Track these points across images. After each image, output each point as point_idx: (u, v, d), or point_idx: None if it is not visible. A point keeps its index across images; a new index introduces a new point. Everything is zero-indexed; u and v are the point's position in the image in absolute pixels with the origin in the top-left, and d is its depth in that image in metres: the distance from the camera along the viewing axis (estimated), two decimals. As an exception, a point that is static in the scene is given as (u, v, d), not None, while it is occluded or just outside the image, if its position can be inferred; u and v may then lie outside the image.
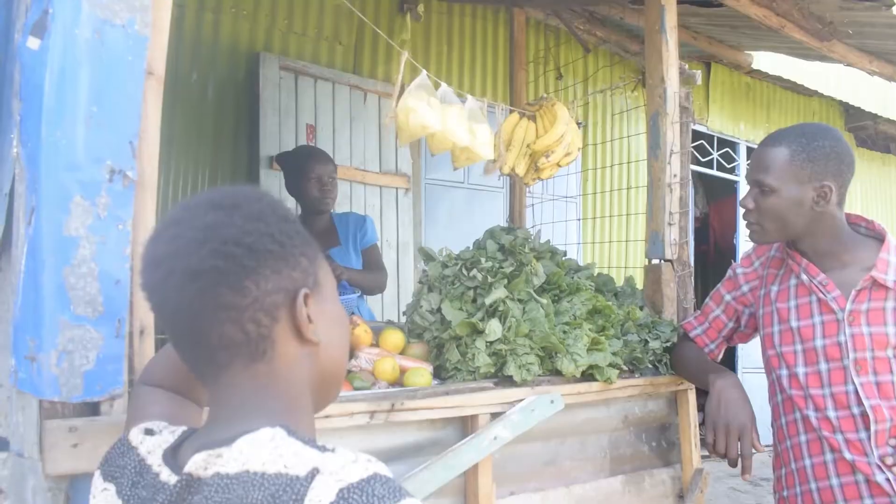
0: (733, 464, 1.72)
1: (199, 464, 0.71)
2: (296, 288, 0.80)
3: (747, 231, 1.83)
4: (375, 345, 1.87)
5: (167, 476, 0.77)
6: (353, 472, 0.67)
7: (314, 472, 0.68)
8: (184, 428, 0.85)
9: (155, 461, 0.80)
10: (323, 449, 0.71)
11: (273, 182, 3.73)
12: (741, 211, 1.82)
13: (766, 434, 1.84)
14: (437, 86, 2.01)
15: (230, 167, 3.88)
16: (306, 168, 2.94)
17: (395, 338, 1.87)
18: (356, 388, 1.68)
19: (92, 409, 1.24)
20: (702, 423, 1.98)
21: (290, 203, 3.55)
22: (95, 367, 1.23)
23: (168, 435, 0.84)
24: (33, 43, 1.14)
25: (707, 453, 1.84)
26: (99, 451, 1.21)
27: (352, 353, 1.81)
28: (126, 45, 1.27)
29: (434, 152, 2.09)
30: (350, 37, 4.22)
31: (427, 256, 2.04)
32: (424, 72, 1.93)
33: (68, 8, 1.21)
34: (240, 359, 0.78)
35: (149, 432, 0.86)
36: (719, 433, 1.73)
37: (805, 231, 1.73)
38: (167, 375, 1.05)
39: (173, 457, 0.80)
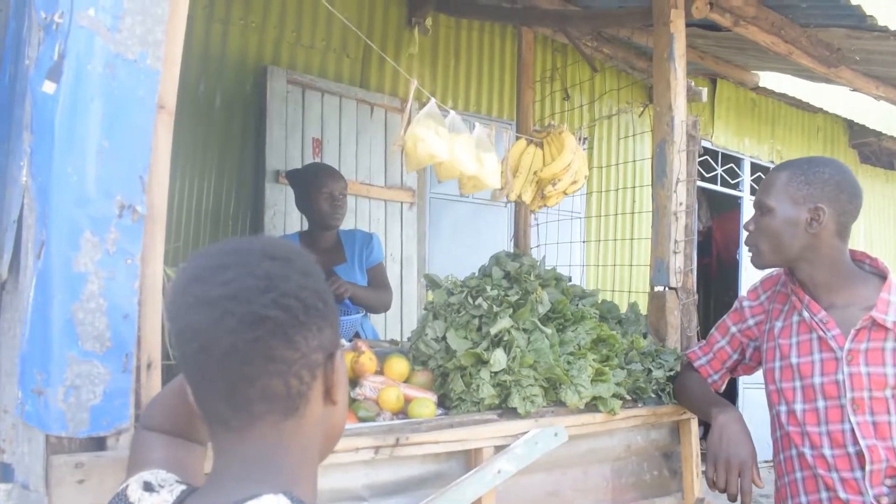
0: (732, 499, 1.73)
1: None
2: (332, 348, 0.82)
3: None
4: (380, 372, 1.87)
5: None
6: None
7: None
8: (183, 487, 0.85)
9: None
10: None
11: (279, 195, 3.74)
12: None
13: (765, 449, 1.84)
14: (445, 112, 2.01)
15: (236, 179, 3.88)
16: (319, 183, 2.95)
17: (399, 366, 1.87)
18: (361, 419, 1.68)
19: (98, 443, 1.24)
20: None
21: (297, 218, 3.57)
22: (102, 401, 1.23)
23: (167, 494, 0.84)
24: (49, 87, 1.14)
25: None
26: (105, 487, 1.22)
27: (356, 382, 1.81)
28: (138, 80, 1.27)
29: (441, 179, 2.09)
30: (357, 50, 4.22)
31: (432, 283, 2.04)
32: (433, 100, 1.94)
33: (81, 43, 1.21)
34: (274, 414, 0.78)
35: (148, 488, 0.85)
36: (720, 468, 1.73)
37: (799, 256, 1.74)
38: (168, 419, 1.05)
39: None
